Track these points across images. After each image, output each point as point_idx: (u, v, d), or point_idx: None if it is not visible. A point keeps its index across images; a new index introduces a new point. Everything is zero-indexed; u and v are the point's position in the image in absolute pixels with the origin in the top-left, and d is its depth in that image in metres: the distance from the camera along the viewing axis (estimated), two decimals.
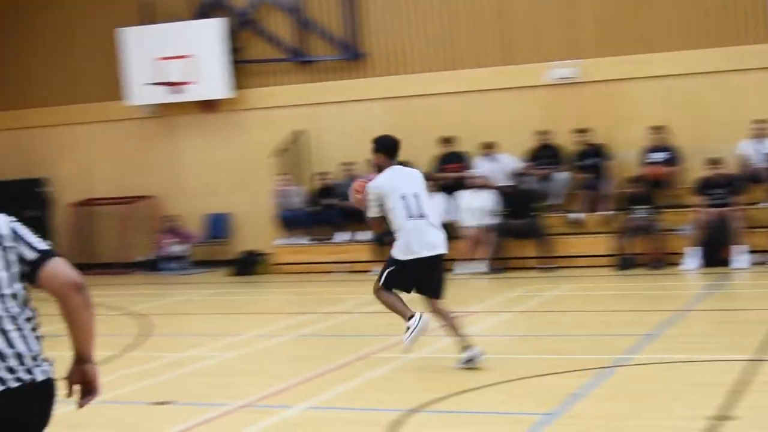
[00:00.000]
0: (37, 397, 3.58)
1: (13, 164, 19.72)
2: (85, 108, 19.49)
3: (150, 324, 12.23)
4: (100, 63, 19.24)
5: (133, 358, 9.96)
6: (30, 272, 3.59)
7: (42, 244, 3.64)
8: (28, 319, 3.62)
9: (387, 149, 8.59)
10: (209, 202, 18.86)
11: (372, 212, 8.50)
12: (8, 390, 3.49)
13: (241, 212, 18.70)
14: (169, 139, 19.17)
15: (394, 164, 8.59)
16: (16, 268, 3.58)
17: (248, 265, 17.63)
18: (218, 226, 18.89)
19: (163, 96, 18.44)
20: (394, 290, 8.46)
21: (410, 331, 8.27)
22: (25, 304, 3.61)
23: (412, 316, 8.30)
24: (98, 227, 18.79)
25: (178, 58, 18.20)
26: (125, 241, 19.11)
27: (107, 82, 19.16)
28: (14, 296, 3.58)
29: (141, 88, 18.45)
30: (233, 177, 18.71)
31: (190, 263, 18.47)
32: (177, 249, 18.47)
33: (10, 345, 3.54)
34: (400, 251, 8.39)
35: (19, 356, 3.54)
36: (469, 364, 8.31)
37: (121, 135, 19.40)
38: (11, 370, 3.52)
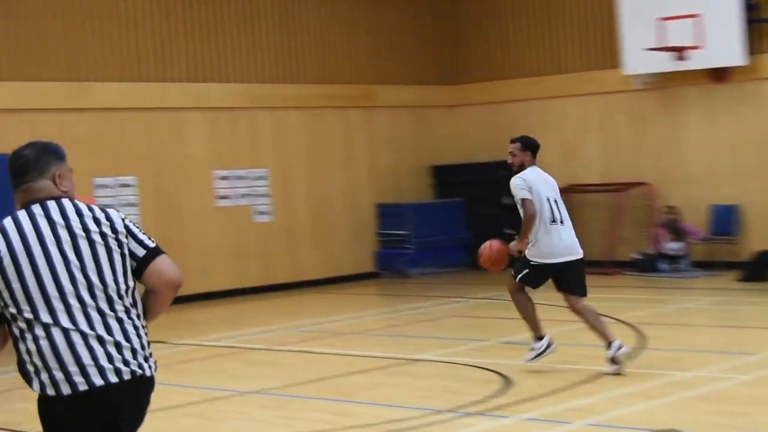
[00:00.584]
0: (144, 390, 4.20)
1: (488, 143, 19.99)
2: (570, 78, 19.28)
3: (643, 335, 11.69)
4: (592, 25, 18.95)
5: (626, 375, 9.65)
6: (137, 268, 4.22)
7: (151, 242, 4.27)
8: (138, 315, 4.23)
9: (533, 148, 10.00)
10: (714, 191, 17.98)
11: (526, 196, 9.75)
12: (122, 382, 4.09)
13: (754, 204, 17.59)
14: (667, 115, 18.50)
15: (536, 165, 10.00)
16: (128, 263, 4.21)
17: (761, 268, 16.52)
18: (725, 221, 17.94)
19: (664, 64, 17.73)
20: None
21: (536, 353, 9.91)
22: (135, 298, 4.23)
23: (541, 337, 9.92)
24: (583, 218, 18.49)
25: (684, 17, 17.38)
26: (615, 235, 18.69)
27: (597, 48, 18.84)
28: (128, 290, 4.20)
29: (638, 55, 17.85)
30: (745, 161, 17.69)
31: (689, 264, 17.69)
32: (674, 247, 17.75)
33: (127, 338, 4.16)
34: (539, 255, 9.75)
35: (133, 350, 4.15)
36: (615, 364, 9.50)
37: (611, 110, 19.02)
38: (126, 363, 4.12)
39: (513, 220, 11.30)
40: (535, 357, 9.92)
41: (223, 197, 17.83)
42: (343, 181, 19.50)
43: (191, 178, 17.44)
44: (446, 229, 19.87)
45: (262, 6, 18.54)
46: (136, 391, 4.18)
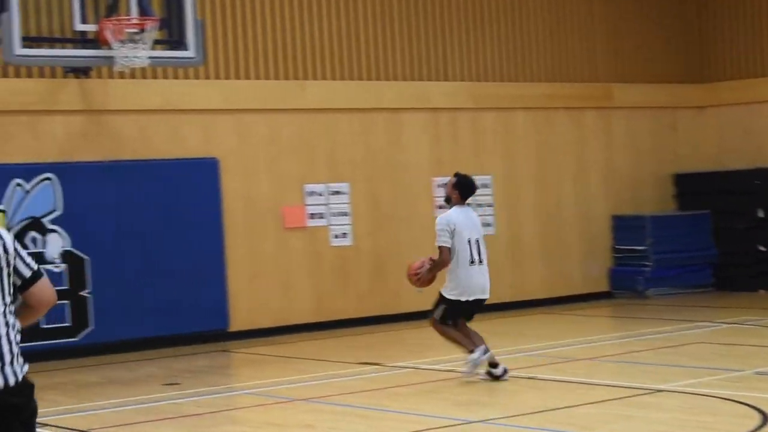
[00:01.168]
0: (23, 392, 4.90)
1: (740, 149, 19.40)
2: None
3: None
4: None
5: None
6: (22, 286, 4.97)
7: (34, 264, 5.01)
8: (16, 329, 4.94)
9: (465, 189, 11.92)
10: None
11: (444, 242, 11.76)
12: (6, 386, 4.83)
13: None
14: None
15: (465, 205, 11.96)
16: (12, 280, 4.93)
17: None
18: None
19: None
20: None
21: (473, 364, 11.65)
22: (14, 314, 4.95)
23: (473, 350, 11.66)
24: None
25: None
26: None
27: None
28: (11, 305, 4.92)
29: None
30: None
31: None
32: None
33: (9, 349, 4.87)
34: (456, 292, 11.80)
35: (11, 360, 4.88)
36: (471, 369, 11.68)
37: None
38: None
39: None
40: (474, 368, 11.72)
41: (443, 206, 17.75)
42: (575, 190, 19.22)
43: (408, 184, 17.45)
44: (690, 245, 19.35)
45: (485, 1, 18.45)
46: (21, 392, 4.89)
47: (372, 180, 17.19)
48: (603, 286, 19.40)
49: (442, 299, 11.95)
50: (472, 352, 11.74)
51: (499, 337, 15.32)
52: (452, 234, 11.70)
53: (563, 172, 19.11)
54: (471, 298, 11.85)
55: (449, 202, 12.05)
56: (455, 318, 11.93)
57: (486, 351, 11.73)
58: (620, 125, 19.69)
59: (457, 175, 12.13)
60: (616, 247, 19.44)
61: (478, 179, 17.91)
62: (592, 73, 19.55)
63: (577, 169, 19.26)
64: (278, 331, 16.24)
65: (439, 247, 11.80)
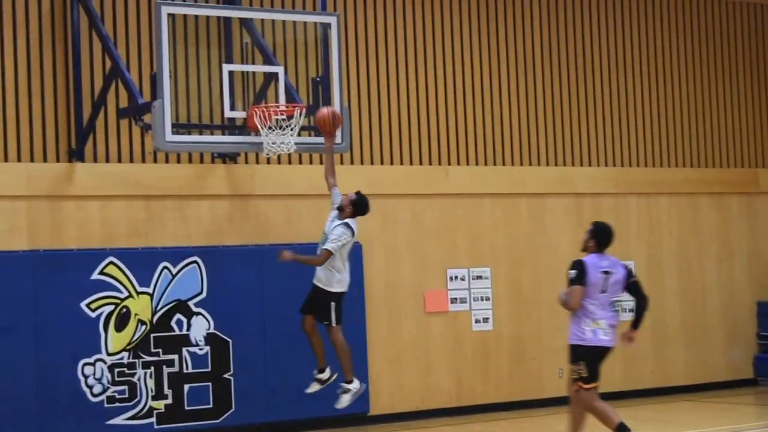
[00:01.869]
0: None
1: None
2: None
3: None
4: None
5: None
6: None
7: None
8: None
9: (361, 209, 13.14)
10: None
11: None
12: None
13: None
14: None
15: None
16: None
17: None
18: None
19: None
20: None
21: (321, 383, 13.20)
22: None
23: (324, 369, 13.18)
24: None
25: None
26: None
27: None
28: None
29: None
30: None
31: None
32: None
33: None
34: (339, 285, 12.92)
35: None
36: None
37: None
38: None
39: None
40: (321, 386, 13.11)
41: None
42: (719, 276, 18.84)
43: (550, 269, 17.24)
44: None
45: (630, 86, 18.32)
46: None
47: (514, 265, 17.02)
48: (747, 373, 18.94)
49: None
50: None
51: (642, 424, 14.98)
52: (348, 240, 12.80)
53: (707, 257, 18.76)
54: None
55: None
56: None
57: None
58: (765, 210, 19.30)
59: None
60: (761, 333, 18.98)
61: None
62: (736, 157, 19.20)
63: (721, 255, 18.89)
64: (418, 415, 16.09)
65: (326, 251, 12.73)
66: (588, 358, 11.55)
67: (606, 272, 11.55)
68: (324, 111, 13.08)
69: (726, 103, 19.23)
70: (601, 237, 11.76)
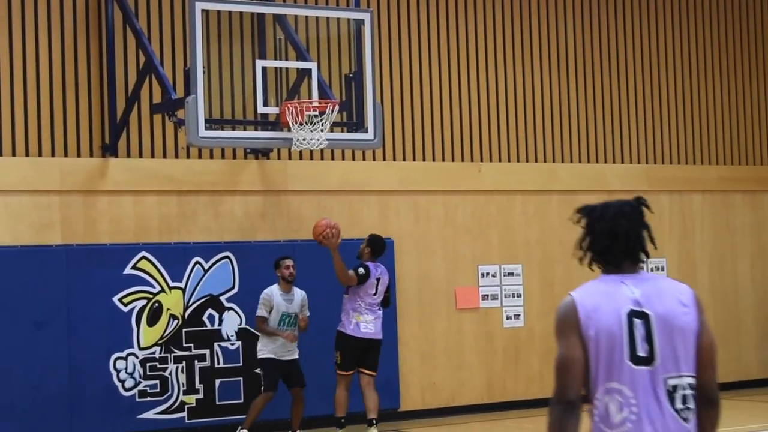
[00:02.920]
0: None
1: None
2: None
3: None
4: None
5: None
6: None
7: None
8: None
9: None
10: None
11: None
12: None
13: None
14: None
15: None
16: None
17: None
18: None
19: None
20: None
21: None
22: None
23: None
24: None
25: None
26: None
27: None
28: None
29: None
30: None
31: None
32: None
33: None
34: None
35: None
36: None
37: None
38: None
39: None
40: None
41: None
42: (752, 274, 18.66)
43: (582, 266, 17.07)
44: None
45: (663, 84, 18.17)
46: None
47: (545, 261, 16.91)
48: None
49: None
50: None
51: None
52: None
53: (740, 255, 18.58)
54: None
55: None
56: None
57: None
58: None
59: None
60: None
61: (652, 262, 17.58)
62: None
63: (754, 253, 18.71)
64: (448, 411, 16.01)
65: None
66: (344, 348, 13.61)
67: (377, 279, 13.63)
68: (321, 223, 13.53)
69: (760, 100, 19.05)
70: (375, 247, 13.85)
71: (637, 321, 4.36)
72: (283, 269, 13.61)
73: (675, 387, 4.35)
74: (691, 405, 4.35)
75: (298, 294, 13.69)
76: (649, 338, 4.34)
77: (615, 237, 4.53)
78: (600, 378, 4.39)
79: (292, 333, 13.44)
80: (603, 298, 4.49)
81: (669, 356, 4.34)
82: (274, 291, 13.56)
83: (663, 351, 4.34)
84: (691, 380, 4.37)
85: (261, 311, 13.49)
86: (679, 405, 4.33)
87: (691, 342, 4.41)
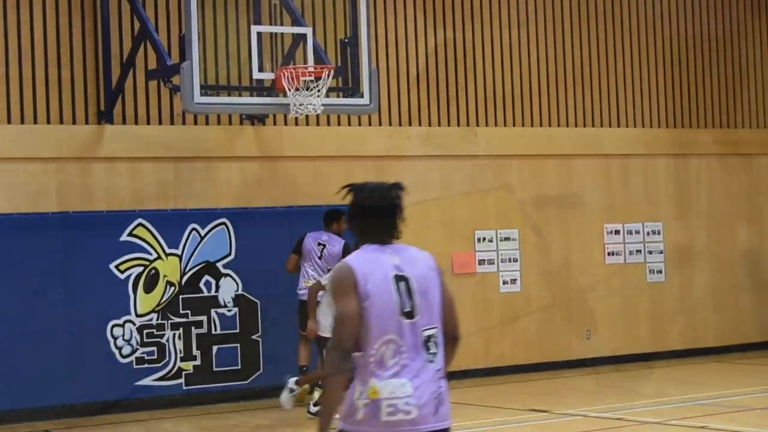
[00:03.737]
0: None
1: None
2: None
3: None
4: None
5: None
6: None
7: None
8: None
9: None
10: None
11: None
12: None
13: None
14: None
15: None
16: None
17: None
18: None
19: None
20: None
21: None
22: None
23: None
24: None
25: None
26: None
27: None
28: None
29: None
30: None
31: None
32: None
33: None
34: None
35: None
36: None
37: None
38: None
39: None
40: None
41: (613, 253, 17.42)
42: (749, 237, 18.71)
43: (579, 230, 17.17)
44: None
45: (659, 48, 18.15)
46: None
47: (542, 226, 16.93)
48: None
49: None
50: None
51: (671, 385, 14.97)
52: None
53: (736, 218, 18.61)
54: None
55: None
56: None
57: None
58: None
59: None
60: None
61: (649, 225, 17.63)
62: (764, 118, 19.03)
63: (750, 216, 18.74)
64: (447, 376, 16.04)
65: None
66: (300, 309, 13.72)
67: (321, 244, 13.83)
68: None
69: (756, 64, 19.04)
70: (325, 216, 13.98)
71: (401, 283, 5.38)
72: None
73: (429, 336, 5.39)
74: (437, 350, 5.39)
75: None
76: (410, 296, 5.38)
77: (378, 214, 5.49)
78: (376, 330, 5.32)
79: None
80: (373, 264, 5.42)
81: (425, 311, 5.39)
82: None
83: (421, 307, 5.39)
84: (437, 330, 5.42)
85: None
86: (432, 350, 5.37)
87: (437, 299, 5.46)
